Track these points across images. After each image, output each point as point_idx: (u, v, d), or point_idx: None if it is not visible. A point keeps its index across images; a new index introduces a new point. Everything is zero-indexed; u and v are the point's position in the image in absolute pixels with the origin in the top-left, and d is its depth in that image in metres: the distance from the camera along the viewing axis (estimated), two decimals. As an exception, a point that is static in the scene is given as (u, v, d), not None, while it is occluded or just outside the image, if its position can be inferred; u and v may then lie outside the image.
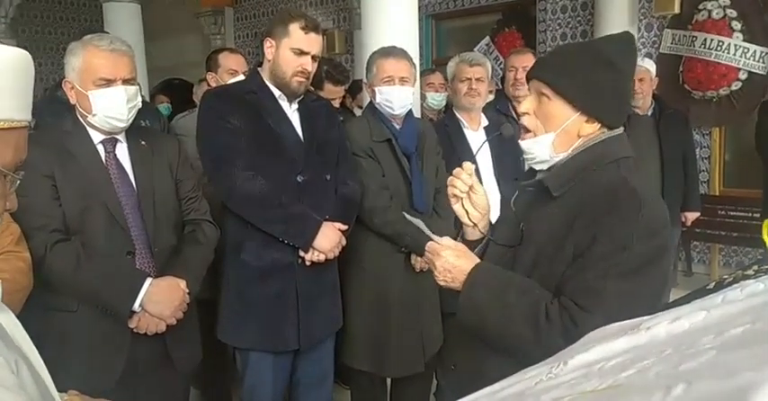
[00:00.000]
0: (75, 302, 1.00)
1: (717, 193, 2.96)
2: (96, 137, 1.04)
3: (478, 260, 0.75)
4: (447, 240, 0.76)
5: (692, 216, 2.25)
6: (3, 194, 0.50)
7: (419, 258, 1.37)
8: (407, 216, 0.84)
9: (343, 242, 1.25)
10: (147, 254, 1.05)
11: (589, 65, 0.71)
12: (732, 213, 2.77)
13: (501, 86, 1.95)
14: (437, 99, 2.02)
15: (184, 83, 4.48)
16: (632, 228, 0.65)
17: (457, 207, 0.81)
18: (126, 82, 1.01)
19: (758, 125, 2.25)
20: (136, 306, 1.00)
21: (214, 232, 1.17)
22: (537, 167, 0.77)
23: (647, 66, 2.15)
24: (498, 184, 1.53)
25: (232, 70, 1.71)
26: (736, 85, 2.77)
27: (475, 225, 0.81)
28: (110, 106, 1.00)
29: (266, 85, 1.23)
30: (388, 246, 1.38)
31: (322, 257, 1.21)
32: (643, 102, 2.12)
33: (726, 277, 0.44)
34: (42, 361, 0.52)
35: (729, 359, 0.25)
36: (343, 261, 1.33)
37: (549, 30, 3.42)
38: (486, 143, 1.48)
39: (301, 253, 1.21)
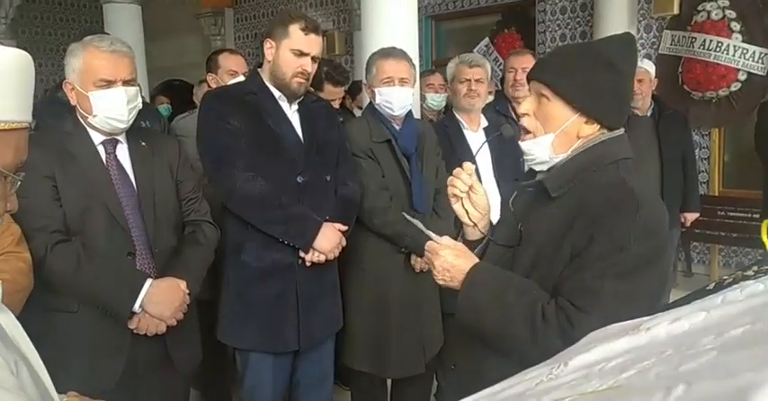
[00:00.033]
0: (75, 303, 1.00)
1: (716, 194, 2.96)
2: (97, 138, 1.04)
3: (477, 260, 0.75)
4: (446, 240, 0.77)
5: (691, 216, 2.25)
6: (3, 195, 0.50)
7: (419, 258, 1.37)
8: (407, 216, 0.84)
9: (344, 242, 1.25)
10: (147, 255, 1.05)
11: (589, 66, 0.71)
12: (731, 214, 2.78)
13: (500, 87, 1.95)
14: (437, 100, 2.02)
15: (184, 84, 4.48)
16: (630, 229, 0.65)
17: (457, 206, 0.81)
18: (126, 83, 1.01)
19: (757, 126, 2.26)
20: (136, 307, 1.00)
21: (214, 233, 1.17)
22: (537, 168, 0.77)
23: (647, 67, 2.16)
24: (498, 185, 1.53)
25: (232, 71, 1.71)
26: (735, 86, 2.78)
27: (475, 225, 0.81)
28: (110, 107, 1.00)
29: (266, 86, 1.23)
30: (387, 247, 1.38)
31: (322, 258, 1.21)
32: (642, 102, 2.13)
33: (725, 278, 0.44)
34: (42, 362, 0.52)
35: (729, 359, 0.25)
36: (343, 261, 1.33)
37: (549, 31, 3.42)
38: (486, 144, 1.48)
39: (301, 254, 1.21)
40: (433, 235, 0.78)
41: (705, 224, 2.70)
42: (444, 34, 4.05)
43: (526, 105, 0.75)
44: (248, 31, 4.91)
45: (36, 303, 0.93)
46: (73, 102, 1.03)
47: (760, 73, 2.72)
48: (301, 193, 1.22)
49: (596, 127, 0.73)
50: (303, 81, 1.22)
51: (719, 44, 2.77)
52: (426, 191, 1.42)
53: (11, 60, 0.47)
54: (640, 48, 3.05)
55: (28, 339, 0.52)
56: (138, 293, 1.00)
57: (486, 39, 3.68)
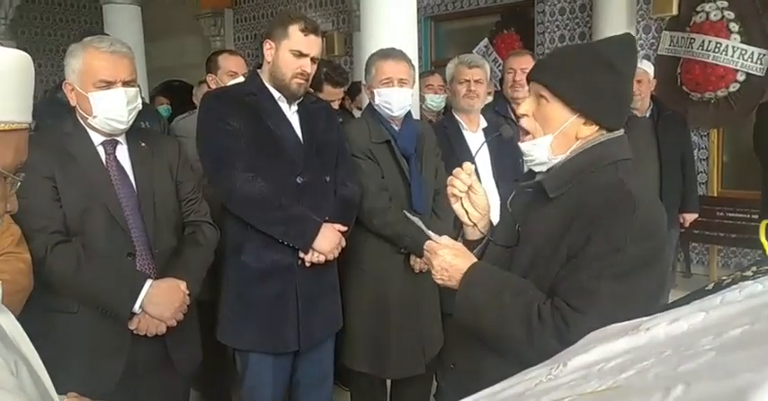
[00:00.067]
0: (75, 303, 1.00)
1: (715, 194, 2.96)
2: (96, 138, 1.04)
3: (475, 259, 0.75)
4: (445, 239, 0.77)
5: (690, 217, 2.25)
6: (3, 196, 0.50)
7: (418, 259, 1.38)
8: (407, 214, 0.84)
9: (343, 243, 1.25)
10: (147, 256, 1.05)
11: (587, 66, 0.71)
12: (730, 214, 2.78)
13: (500, 88, 1.95)
14: (436, 100, 2.03)
15: (184, 84, 4.48)
16: (627, 230, 0.65)
17: (456, 206, 0.82)
18: (126, 84, 1.01)
19: (756, 126, 2.26)
20: (136, 307, 1.00)
21: (214, 233, 1.17)
22: (536, 169, 0.78)
23: (646, 67, 2.16)
24: (497, 186, 1.53)
25: (232, 72, 1.71)
26: (734, 87, 2.78)
27: (474, 225, 0.81)
28: (110, 108, 1.00)
29: (266, 87, 1.23)
30: (387, 247, 1.39)
31: (322, 258, 1.21)
32: (641, 103, 2.13)
33: (724, 278, 0.45)
34: (42, 363, 0.52)
35: (728, 360, 0.26)
36: (342, 262, 1.33)
37: (548, 32, 3.43)
38: (485, 144, 1.48)
39: (301, 255, 1.21)
40: (432, 234, 0.78)
41: (704, 224, 2.70)
42: (443, 35, 4.05)
43: (525, 106, 0.76)
44: (248, 32, 4.92)
45: (36, 304, 0.93)
46: (73, 102, 1.03)
47: (758, 74, 2.72)
48: (301, 194, 1.22)
49: (595, 128, 0.73)
50: (302, 82, 1.22)
51: (718, 45, 2.77)
52: (425, 192, 1.42)
53: (11, 61, 0.48)
54: (639, 49, 3.06)
55: (28, 340, 0.52)
56: (138, 294, 1.00)
57: (486, 39, 3.69)
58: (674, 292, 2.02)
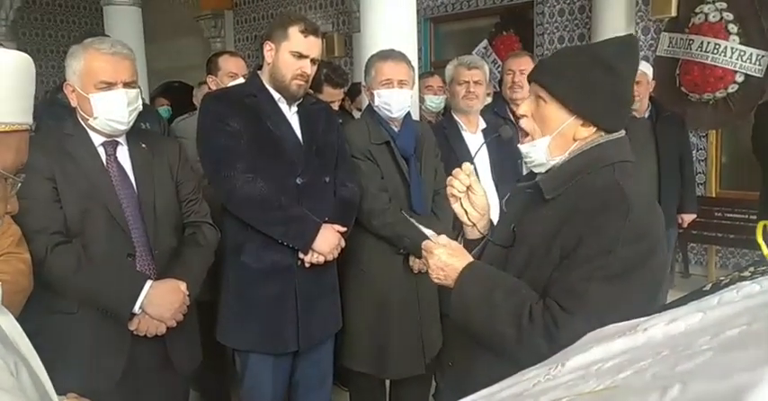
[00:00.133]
0: (75, 304, 1.01)
1: (713, 195, 2.97)
2: (97, 139, 1.05)
3: (471, 259, 0.76)
4: (443, 238, 0.77)
5: (688, 218, 2.25)
6: (3, 197, 0.50)
7: (417, 260, 1.38)
8: (405, 214, 0.84)
9: (342, 244, 1.25)
10: (147, 257, 1.05)
11: (585, 68, 0.71)
12: (729, 215, 2.78)
13: (499, 89, 1.95)
14: (435, 102, 2.03)
15: (184, 85, 4.49)
16: (618, 232, 0.65)
17: (456, 206, 0.82)
18: (127, 85, 1.02)
19: (755, 127, 2.27)
20: (136, 308, 1.00)
21: (214, 234, 1.17)
22: (536, 170, 0.78)
23: (644, 68, 2.17)
24: (497, 186, 1.54)
25: (232, 73, 1.71)
26: (732, 88, 2.79)
27: (474, 225, 0.82)
28: (111, 109, 1.01)
29: (266, 88, 1.24)
30: (386, 248, 1.39)
31: (321, 259, 1.21)
32: (640, 104, 2.14)
33: (722, 278, 0.45)
34: (42, 364, 0.52)
35: (726, 360, 0.26)
36: (342, 262, 1.34)
37: (547, 33, 3.44)
38: (485, 145, 1.49)
39: (301, 255, 1.21)
40: (429, 233, 0.79)
41: (702, 225, 2.71)
42: (443, 36, 4.06)
43: (524, 107, 0.76)
44: (248, 34, 4.92)
45: (36, 304, 0.93)
46: (73, 103, 1.03)
47: (757, 75, 2.73)
48: (301, 195, 1.22)
49: (593, 129, 0.73)
50: (302, 83, 1.22)
51: (717, 46, 2.78)
52: (425, 193, 1.42)
53: (11, 62, 0.48)
54: (638, 50, 3.06)
55: (28, 340, 0.52)
56: (138, 295, 1.00)
57: (485, 41, 3.69)
58: (673, 293, 2.02)
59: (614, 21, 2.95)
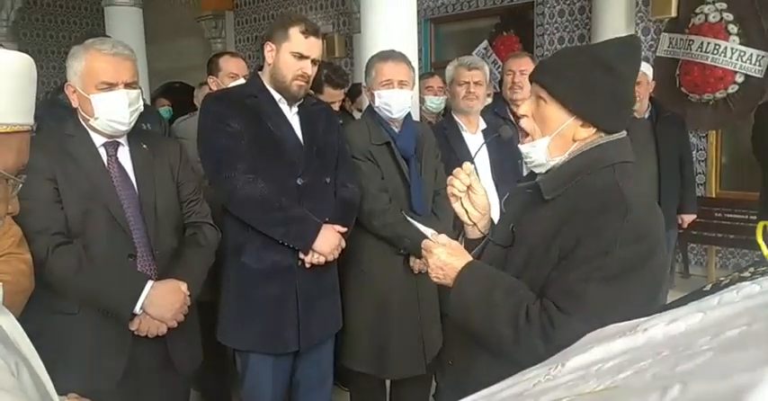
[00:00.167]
0: (76, 305, 1.01)
1: (713, 196, 2.97)
2: (98, 140, 1.05)
3: (471, 258, 0.76)
4: (443, 237, 0.77)
5: (688, 218, 2.25)
6: (5, 198, 0.50)
7: (418, 260, 1.38)
8: (405, 214, 0.84)
9: (343, 244, 1.25)
10: (148, 257, 1.05)
11: (585, 68, 0.71)
12: (729, 215, 2.78)
13: (499, 90, 1.96)
14: (436, 102, 2.03)
15: (185, 86, 4.49)
16: (617, 233, 0.65)
17: (456, 206, 0.82)
18: (128, 86, 1.02)
19: (755, 128, 2.27)
20: (137, 308, 1.00)
21: (215, 235, 1.17)
22: (536, 170, 0.78)
23: (644, 69, 2.17)
24: (497, 187, 1.54)
25: (233, 74, 1.71)
26: (732, 88, 2.79)
27: (474, 224, 0.82)
28: (112, 110, 1.01)
29: (266, 89, 1.24)
30: (387, 248, 1.39)
31: (322, 259, 1.21)
32: (640, 105, 2.14)
33: (722, 279, 0.45)
34: (42, 364, 0.52)
35: (725, 360, 0.26)
36: (342, 263, 1.34)
37: (547, 33, 3.44)
38: (485, 146, 1.49)
39: (301, 256, 1.21)
40: (429, 232, 0.79)
41: (702, 225, 2.71)
42: (443, 37, 4.06)
43: (525, 107, 0.76)
44: (249, 34, 4.93)
45: (37, 305, 0.93)
46: (74, 104, 1.03)
47: (757, 75, 2.73)
48: (301, 195, 1.22)
49: (593, 130, 0.73)
50: (303, 84, 1.22)
51: (717, 46, 2.78)
52: (425, 193, 1.42)
53: (13, 63, 0.48)
54: (638, 50, 3.06)
55: (29, 341, 0.52)
56: (139, 295, 1.00)
57: (485, 41, 3.70)
58: (673, 293, 2.02)
59: (614, 21, 2.95)
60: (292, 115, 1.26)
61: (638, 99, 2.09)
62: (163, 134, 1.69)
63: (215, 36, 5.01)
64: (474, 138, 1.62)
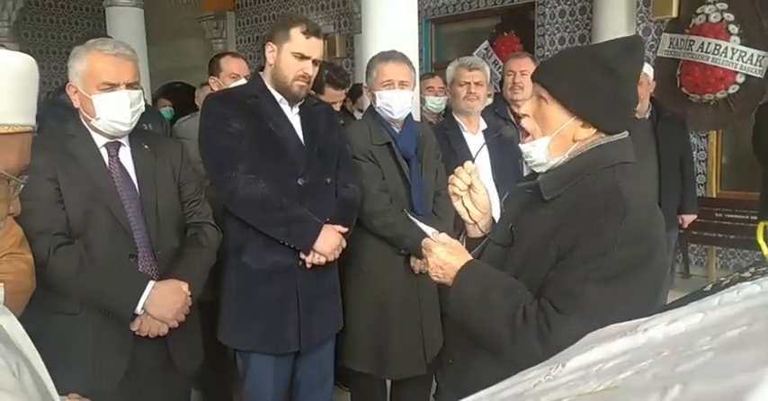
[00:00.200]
0: (77, 305, 1.01)
1: (714, 196, 2.97)
2: (100, 140, 1.05)
3: (470, 257, 0.76)
4: (443, 236, 0.78)
5: (689, 218, 2.25)
6: (6, 198, 0.50)
7: (418, 260, 1.38)
8: (407, 213, 0.84)
9: (344, 244, 1.26)
10: (149, 257, 1.06)
11: (586, 69, 0.71)
12: (729, 216, 2.78)
13: (500, 90, 1.96)
14: (436, 103, 2.03)
15: (186, 86, 4.50)
16: (615, 234, 0.65)
17: (458, 204, 0.82)
18: (129, 86, 1.02)
19: (755, 128, 2.27)
20: (138, 309, 1.01)
21: (216, 235, 1.18)
22: (536, 170, 0.78)
23: (645, 69, 2.16)
24: (497, 187, 1.54)
25: (234, 74, 1.72)
26: (733, 89, 2.79)
27: (475, 223, 0.82)
28: (113, 110, 1.01)
29: (268, 89, 1.24)
30: (387, 249, 1.39)
31: (323, 260, 1.21)
32: (641, 105, 2.14)
33: (723, 279, 0.45)
34: (44, 364, 0.52)
35: (726, 360, 0.26)
36: (343, 263, 1.34)
37: (548, 34, 3.44)
38: (485, 146, 1.49)
39: (302, 256, 1.21)
40: (430, 231, 0.79)
41: (703, 226, 2.70)
42: (444, 37, 4.06)
43: (526, 107, 0.76)
44: (250, 35, 4.94)
45: (38, 305, 0.93)
46: (76, 104, 1.03)
47: (758, 75, 2.73)
48: (302, 196, 1.22)
49: (593, 131, 0.73)
50: (304, 84, 1.22)
51: (718, 47, 2.78)
52: (426, 194, 1.42)
53: (15, 64, 0.48)
54: (639, 51, 3.05)
55: (30, 341, 0.52)
56: (141, 295, 1.00)
57: (486, 42, 3.70)
58: (673, 293, 2.02)
59: (615, 22, 2.95)
60: (293, 115, 1.27)
61: (638, 99, 2.09)
62: (164, 134, 1.70)
63: (216, 36, 5.01)
64: (475, 139, 1.62)
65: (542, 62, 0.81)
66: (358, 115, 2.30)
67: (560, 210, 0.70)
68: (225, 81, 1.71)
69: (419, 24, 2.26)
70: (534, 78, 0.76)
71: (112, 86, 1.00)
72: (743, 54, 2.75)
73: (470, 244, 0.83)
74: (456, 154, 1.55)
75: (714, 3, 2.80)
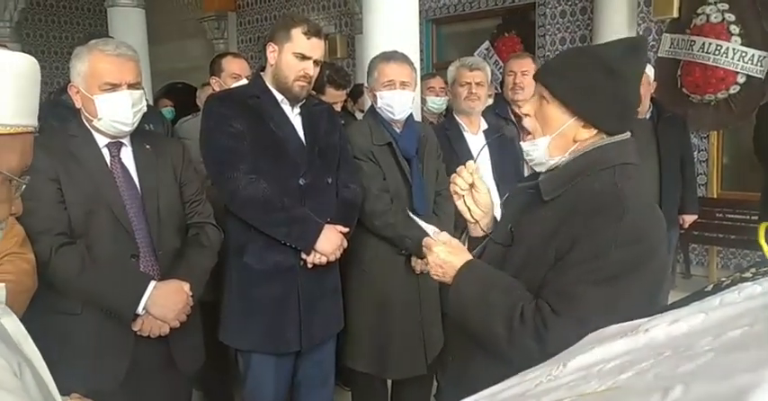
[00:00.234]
0: (78, 305, 1.01)
1: (715, 196, 2.96)
2: (101, 140, 1.05)
3: (470, 257, 0.76)
4: (444, 235, 0.78)
5: (689, 218, 2.25)
6: (8, 198, 0.50)
7: (419, 260, 1.38)
8: (409, 212, 0.85)
9: (345, 244, 1.26)
10: (151, 257, 1.06)
11: (587, 70, 0.71)
12: (730, 216, 2.78)
13: (500, 90, 1.96)
14: (437, 103, 2.03)
15: (188, 87, 4.51)
16: (612, 235, 0.65)
17: (459, 203, 0.83)
18: (131, 86, 1.02)
19: (756, 128, 2.26)
20: (140, 309, 1.01)
21: (217, 235, 1.18)
22: (537, 169, 0.78)
23: (646, 70, 2.16)
24: (498, 187, 1.54)
25: (235, 74, 1.72)
26: (734, 89, 2.79)
27: (477, 222, 0.82)
28: (115, 110, 1.01)
29: (269, 90, 1.24)
30: (388, 249, 1.39)
31: (324, 260, 1.22)
32: (641, 105, 2.13)
33: (724, 279, 0.45)
34: (45, 364, 0.52)
35: (727, 361, 0.26)
36: (344, 263, 1.34)
37: (549, 34, 3.44)
38: (486, 146, 1.49)
39: (303, 256, 1.21)
40: (430, 230, 0.79)
41: (703, 226, 2.70)
42: (445, 38, 4.07)
43: (528, 106, 0.76)
44: (251, 35, 4.94)
45: (40, 305, 0.93)
46: (78, 105, 1.04)
47: (759, 76, 2.72)
48: (303, 196, 1.22)
49: (594, 131, 0.73)
50: (305, 84, 1.22)
51: (718, 47, 2.78)
52: (427, 194, 1.42)
53: (16, 64, 0.48)
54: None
55: (31, 341, 0.52)
56: (142, 295, 1.00)
57: (487, 42, 3.70)
58: (674, 293, 2.02)
59: (616, 22, 2.95)
60: (294, 116, 1.27)
61: (640, 100, 2.09)
62: (166, 134, 1.70)
63: (217, 37, 5.02)
64: (475, 139, 1.63)
65: (545, 62, 0.81)
66: (359, 115, 2.30)
67: (560, 211, 0.70)
68: (226, 81, 1.71)
69: (420, 25, 2.27)
70: (536, 78, 0.76)
71: (114, 87, 1.00)
72: (744, 54, 2.74)
73: (473, 243, 0.83)
74: (457, 154, 1.55)
75: (715, 3, 2.79)
